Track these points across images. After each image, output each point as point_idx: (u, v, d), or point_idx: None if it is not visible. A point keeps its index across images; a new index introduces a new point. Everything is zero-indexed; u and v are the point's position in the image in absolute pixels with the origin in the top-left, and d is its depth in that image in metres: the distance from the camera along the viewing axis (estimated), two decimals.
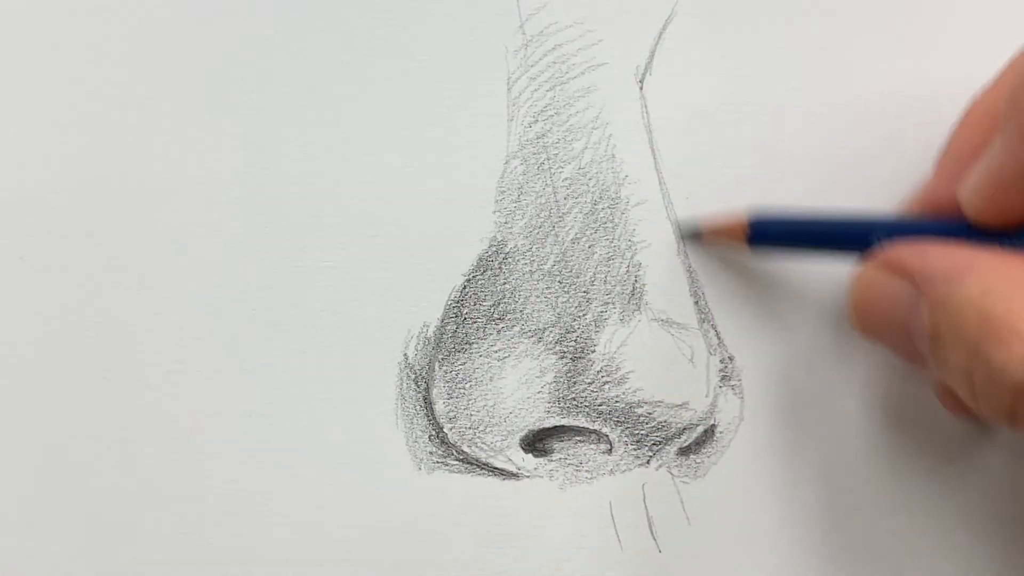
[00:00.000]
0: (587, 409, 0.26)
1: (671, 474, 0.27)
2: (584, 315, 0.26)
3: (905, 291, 0.22)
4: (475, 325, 0.27)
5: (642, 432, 0.26)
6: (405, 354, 0.27)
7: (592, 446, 0.27)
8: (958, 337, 0.20)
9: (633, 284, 0.26)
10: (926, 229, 0.23)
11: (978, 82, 0.24)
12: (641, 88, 0.27)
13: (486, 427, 0.27)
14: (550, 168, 0.27)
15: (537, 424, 0.27)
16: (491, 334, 0.27)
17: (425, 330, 0.27)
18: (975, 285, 0.20)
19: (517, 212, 0.27)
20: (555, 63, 0.27)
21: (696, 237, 0.27)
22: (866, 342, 0.25)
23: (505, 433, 0.27)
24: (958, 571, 0.27)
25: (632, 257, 0.27)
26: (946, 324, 0.21)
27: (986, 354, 0.20)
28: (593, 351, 0.26)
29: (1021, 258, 0.21)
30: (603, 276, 0.26)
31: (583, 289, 0.26)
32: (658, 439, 0.27)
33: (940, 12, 0.27)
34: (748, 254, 0.26)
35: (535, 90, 0.27)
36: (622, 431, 0.26)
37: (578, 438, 0.27)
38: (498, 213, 0.27)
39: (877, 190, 0.27)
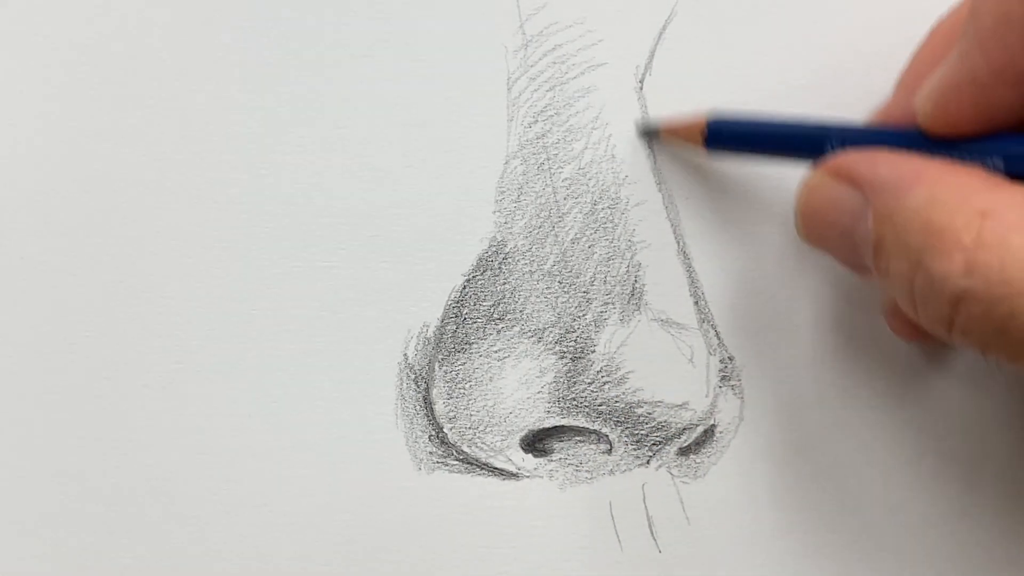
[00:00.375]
0: (587, 409, 0.26)
1: (671, 474, 0.27)
2: (584, 315, 0.26)
3: (852, 199, 0.22)
4: (475, 325, 0.27)
5: (642, 432, 0.26)
6: (405, 354, 0.27)
7: (592, 446, 0.27)
8: (901, 246, 0.20)
9: (633, 284, 0.26)
10: (880, 138, 0.22)
11: None
12: (641, 88, 0.27)
13: (486, 427, 0.27)
14: (550, 168, 0.27)
15: (537, 424, 0.27)
16: (491, 334, 0.27)
17: (425, 330, 0.27)
18: (921, 194, 0.20)
19: (517, 212, 0.27)
20: (555, 63, 0.27)
21: (654, 134, 0.27)
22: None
23: (505, 433, 0.27)
24: (962, 572, 0.27)
25: (632, 257, 0.27)
26: (890, 233, 0.20)
27: (927, 263, 0.19)
28: (593, 351, 0.26)
29: (969, 169, 0.21)
30: (603, 276, 0.26)
31: (583, 289, 0.26)
32: (658, 439, 0.27)
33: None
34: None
35: (535, 90, 0.27)
36: (622, 431, 0.26)
37: (578, 438, 0.27)
38: (498, 213, 0.27)
39: None
